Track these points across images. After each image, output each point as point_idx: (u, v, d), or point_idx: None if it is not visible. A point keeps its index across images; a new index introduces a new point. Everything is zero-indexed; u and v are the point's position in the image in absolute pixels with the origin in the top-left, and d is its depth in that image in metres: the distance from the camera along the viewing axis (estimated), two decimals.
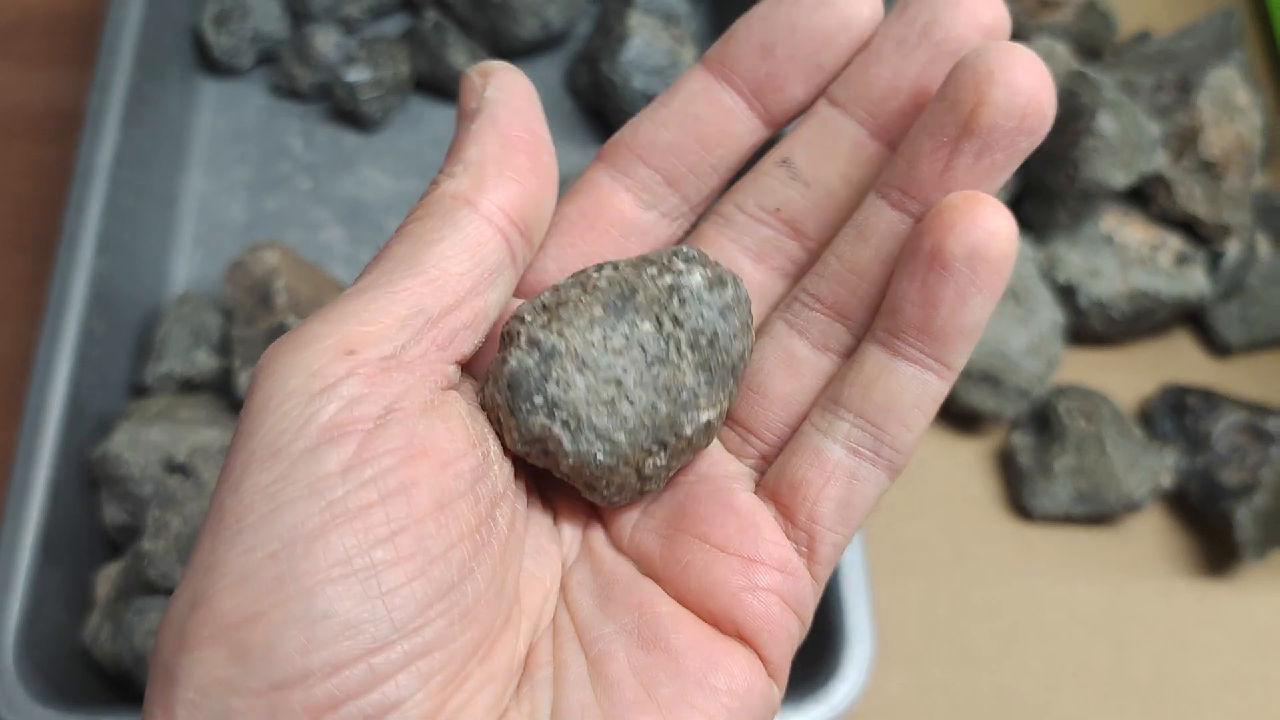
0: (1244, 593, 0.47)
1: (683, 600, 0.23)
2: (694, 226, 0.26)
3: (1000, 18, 0.22)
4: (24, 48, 0.56)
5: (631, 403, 0.22)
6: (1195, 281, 0.49)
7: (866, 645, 0.39)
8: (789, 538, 0.23)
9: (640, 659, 0.22)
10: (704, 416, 0.23)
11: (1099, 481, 0.46)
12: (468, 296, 0.22)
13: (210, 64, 0.55)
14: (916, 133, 0.22)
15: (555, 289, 0.23)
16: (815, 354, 0.23)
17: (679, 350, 0.22)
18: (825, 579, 0.23)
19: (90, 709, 0.38)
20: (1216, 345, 0.51)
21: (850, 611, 0.40)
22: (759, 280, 0.24)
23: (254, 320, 0.44)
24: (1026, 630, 0.46)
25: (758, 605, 0.22)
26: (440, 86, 0.55)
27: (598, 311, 0.22)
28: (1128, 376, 0.51)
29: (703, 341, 0.22)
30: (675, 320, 0.22)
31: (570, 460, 0.22)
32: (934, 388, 0.22)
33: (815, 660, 0.40)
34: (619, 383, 0.22)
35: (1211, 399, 0.48)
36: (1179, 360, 0.51)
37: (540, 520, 0.24)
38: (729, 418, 0.24)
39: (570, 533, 0.24)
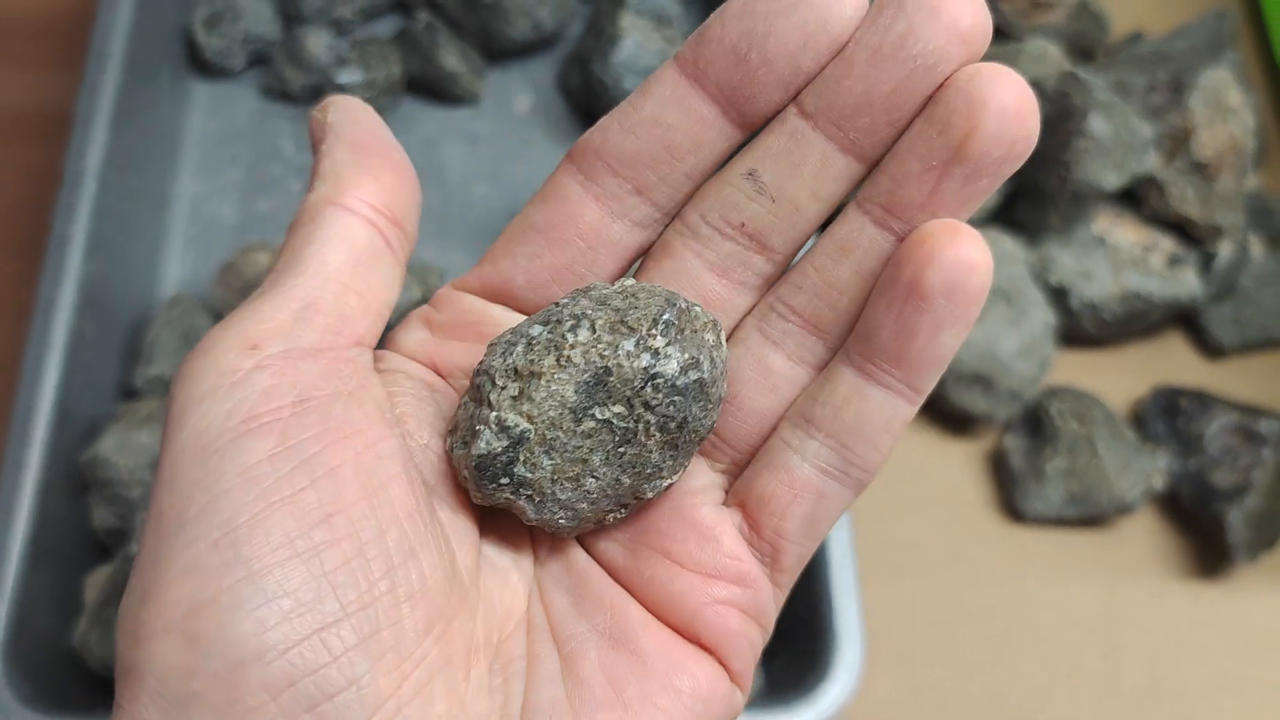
0: (1236, 595, 0.47)
1: (648, 608, 0.23)
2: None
3: (980, 23, 0.21)
4: (14, 49, 0.56)
5: (597, 479, 0.23)
6: (1187, 283, 0.49)
7: (857, 647, 0.39)
8: (753, 547, 0.24)
9: (610, 658, 0.23)
10: (666, 483, 0.23)
11: (1091, 483, 0.46)
12: (350, 282, 0.23)
13: (201, 66, 0.55)
14: (904, 152, 0.22)
15: (529, 345, 0.22)
16: (790, 366, 0.24)
17: (648, 432, 0.22)
18: (790, 585, 0.24)
19: (79, 713, 0.38)
20: (1209, 347, 0.51)
21: (841, 613, 0.40)
22: (723, 295, 0.24)
23: None
24: (1019, 632, 0.46)
25: (716, 619, 0.23)
26: (432, 88, 0.55)
27: (570, 394, 0.22)
28: (1120, 378, 0.50)
29: (672, 426, 0.22)
30: (647, 405, 0.22)
31: (533, 521, 0.23)
32: (904, 412, 0.22)
33: (805, 662, 0.40)
34: (585, 462, 0.22)
35: (1204, 401, 0.48)
36: (1171, 362, 0.51)
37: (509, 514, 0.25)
38: None
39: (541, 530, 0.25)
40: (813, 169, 0.23)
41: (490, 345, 0.23)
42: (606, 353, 0.22)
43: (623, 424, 0.22)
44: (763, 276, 0.24)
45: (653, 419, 0.22)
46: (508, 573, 0.24)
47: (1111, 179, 0.48)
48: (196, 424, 0.21)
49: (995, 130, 0.21)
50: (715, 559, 0.23)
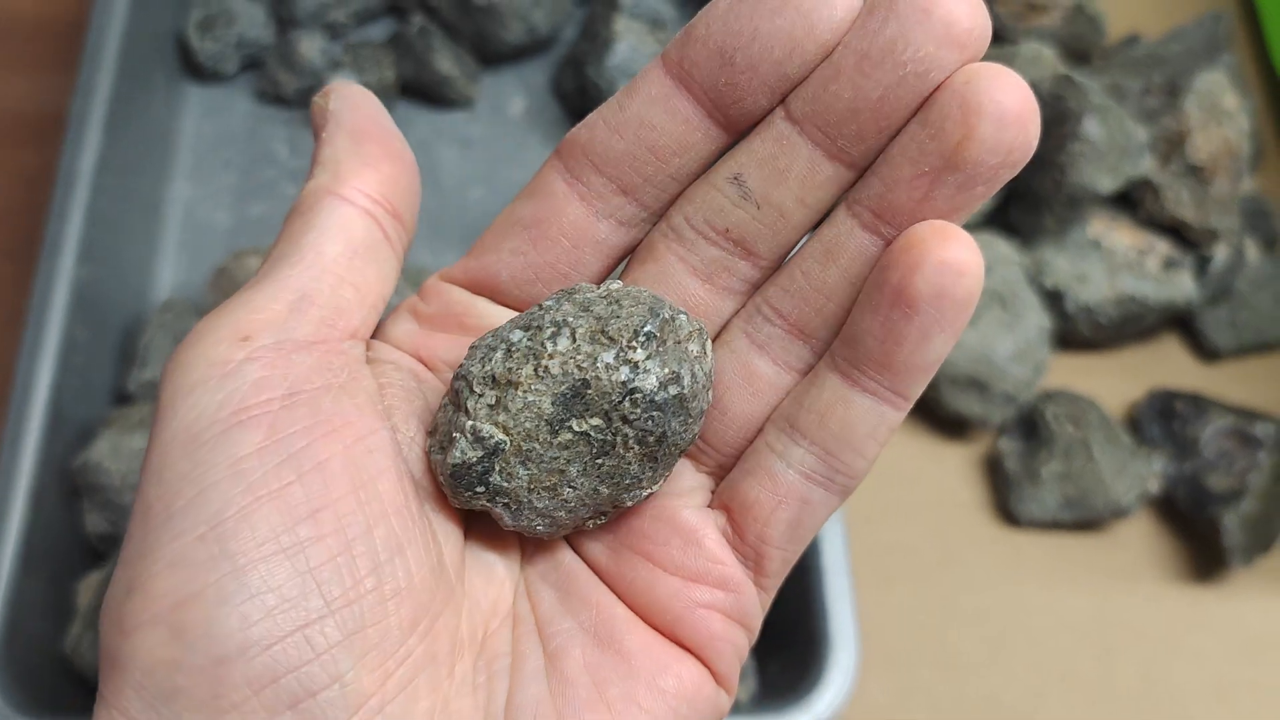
0: (1232, 599, 0.47)
1: (632, 609, 0.23)
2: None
3: (978, 26, 0.20)
4: (8, 51, 0.56)
5: (574, 489, 0.22)
6: (1183, 286, 0.49)
7: (851, 651, 0.39)
8: (737, 551, 0.23)
9: (595, 657, 0.23)
10: (646, 492, 0.23)
11: (1086, 487, 0.46)
12: (346, 274, 0.23)
13: (195, 70, 0.55)
14: (896, 156, 0.21)
15: (508, 352, 0.22)
16: (776, 371, 0.23)
17: (626, 445, 0.22)
18: (775, 588, 0.24)
19: (71, 718, 0.38)
20: (1205, 350, 0.51)
21: (835, 617, 0.40)
22: (706, 300, 0.24)
23: None
24: (1013, 637, 0.46)
25: (699, 623, 0.23)
26: (426, 92, 0.54)
27: (547, 406, 0.22)
28: (1115, 382, 0.50)
29: (651, 440, 0.22)
30: (625, 419, 0.22)
31: (510, 527, 0.23)
32: (890, 418, 0.22)
33: (800, 666, 0.40)
34: (562, 472, 0.22)
35: (1199, 404, 0.48)
36: (1167, 365, 0.51)
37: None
38: None
39: None
40: (799, 175, 0.22)
41: (471, 348, 0.23)
42: (585, 364, 0.22)
43: (600, 436, 0.22)
44: (748, 282, 0.24)
45: (631, 432, 0.22)
46: (493, 567, 0.24)
47: (1106, 182, 0.48)
48: (186, 414, 0.20)
49: (992, 136, 0.20)
50: (698, 563, 0.23)
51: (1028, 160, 0.21)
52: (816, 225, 0.23)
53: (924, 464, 0.49)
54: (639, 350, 0.22)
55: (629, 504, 0.23)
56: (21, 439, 0.41)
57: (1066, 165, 0.47)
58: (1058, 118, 0.48)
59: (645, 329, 0.22)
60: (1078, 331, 0.50)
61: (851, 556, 0.44)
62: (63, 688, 0.40)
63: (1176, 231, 0.50)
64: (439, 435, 0.23)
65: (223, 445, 0.20)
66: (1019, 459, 0.48)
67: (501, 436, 0.22)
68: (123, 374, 0.46)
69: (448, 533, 0.23)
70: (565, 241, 0.24)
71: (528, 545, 0.24)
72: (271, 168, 0.53)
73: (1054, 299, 0.49)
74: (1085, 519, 0.47)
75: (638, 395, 0.21)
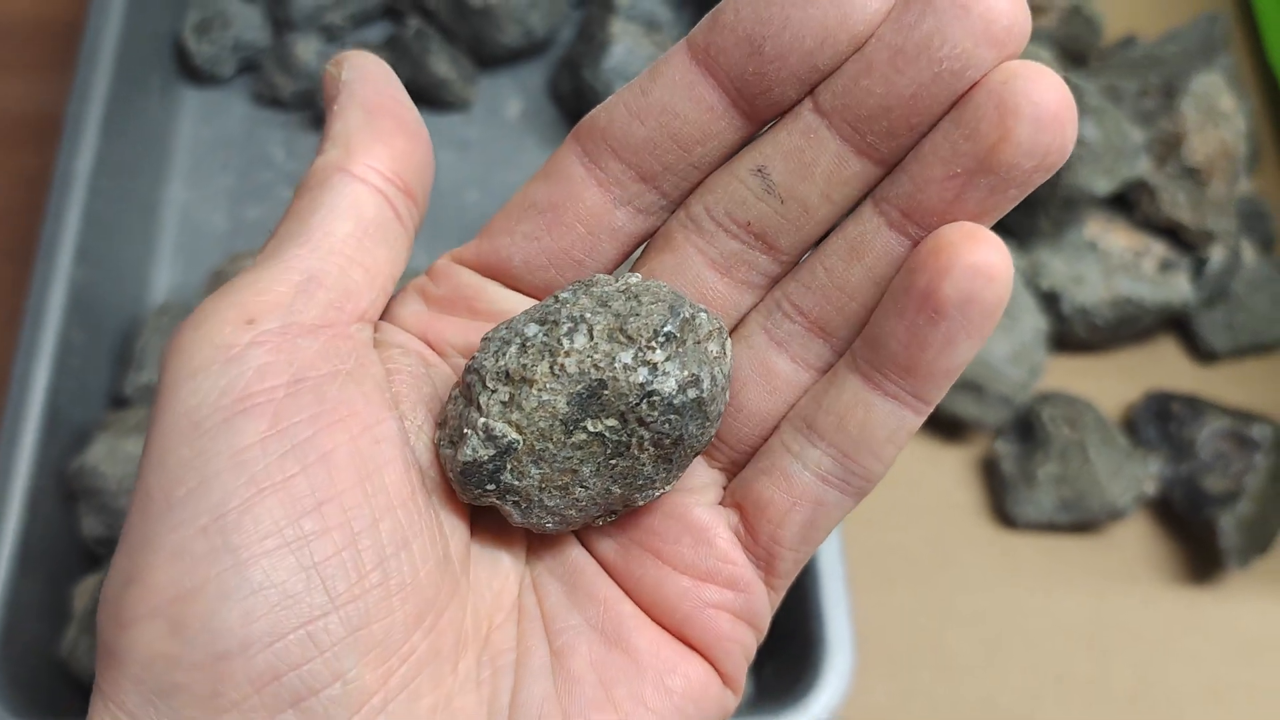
0: (1228, 601, 0.47)
1: (640, 607, 0.23)
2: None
3: (1018, 24, 0.19)
4: (4, 54, 0.56)
5: (586, 489, 0.22)
6: (1179, 288, 0.49)
7: (847, 654, 0.39)
8: (748, 551, 0.23)
9: (602, 655, 0.22)
10: (659, 493, 0.23)
11: (1083, 489, 0.46)
12: (356, 255, 0.22)
13: (191, 72, 0.55)
14: (928, 155, 0.21)
15: (523, 347, 0.21)
16: (794, 370, 0.23)
17: (641, 446, 0.22)
18: (785, 588, 0.24)
19: None
20: (1201, 352, 0.51)
21: (831, 619, 0.40)
22: (724, 294, 0.23)
23: None
24: (1010, 639, 0.46)
25: (707, 622, 0.23)
26: (423, 94, 0.54)
27: (562, 406, 0.21)
28: (1112, 383, 0.50)
29: (667, 442, 0.22)
30: (641, 422, 0.21)
31: (518, 524, 0.23)
32: (909, 423, 0.22)
33: (796, 668, 0.40)
34: (575, 472, 0.22)
35: (1196, 406, 0.48)
36: (1163, 367, 0.51)
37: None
38: None
39: None
40: (825, 170, 0.21)
41: (484, 340, 0.22)
42: (602, 364, 0.21)
43: (615, 437, 0.21)
44: (767, 276, 0.23)
45: (647, 434, 0.21)
46: (499, 559, 0.23)
47: (1103, 184, 0.48)
48: (188, 400, 0.20)
49: (1028, 139, 0.19)
50: (708, 562, 0.23)
51: (1063, 163, 0.20)
52: (839, 221, 0.23)
53: (920, 466, 0.49)
54: (658, 351, 0.21)
55: (641, 503, 0.23)
56: (18, 442, 0.41)
57: (1062, 167, 0.47)
58: None
59: (665, 329, 0.21)
60: (1074, 333, 0.50)
61: (848, 559, 0.44)
62: (59, 691, 0.40)
63: (1173, 233, 0.50)
64: (449, 429, 0.22)
65: (225, 434, 0.20)
66: (1015, 461, 0.48)
67: (515, 435, 0.21)
68: (119, 377, 0.46)
69: (454, 525, 0.22)
70: (581, 228, 0.23)
71: (534, 538, 0.24)
72: (268, 170, 0.53)
73: (1050, 301, 0.49)
74: (1082, 521, 0.47)
75: (656, 398, 0.21)
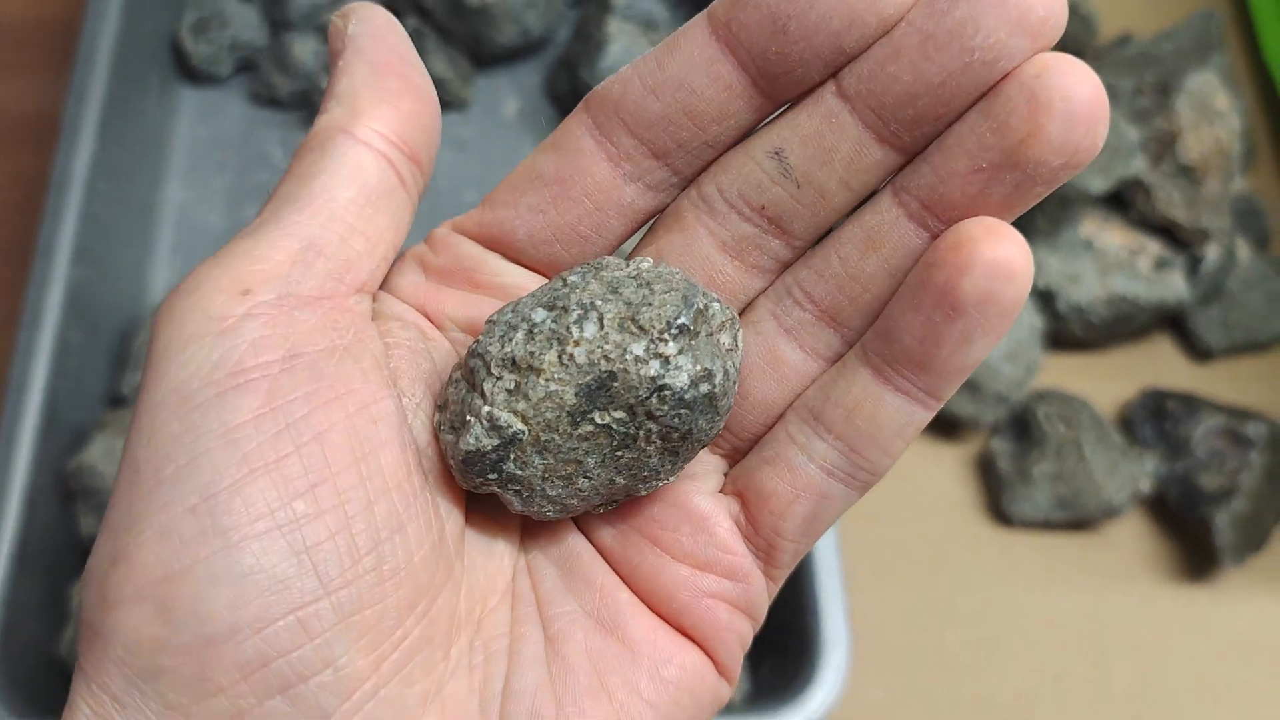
0: (1223, 599, 0.47)
1: (637, 594, 0.23)
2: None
3: (1054, 15, 0.19)
4: (1, 55, 0.56)
5: (590, 479, 0.22)
6: (1174, 286, 0.49)
7: (843, 652, 0.39)
8: (749, 541, 0.23)
9: (597, 643, 0.22)
10: (662, 483, 0.22)
11: (1078, 487, 0.46)
12: (357, 223, 0.21)
13: (189, 72, 0.55)
14: (953, 147, 0.20)
15: (530, 333, 0.21)
16: (802, 358, 0.22)
17: (648, 439, 0.21)
18: (783, 579, 0.23)
19: None
20: (1197, 350, 0.51)
21: (827, 617, 0.40)
22: (734, 278, 0.22)
23: None
24: (1006, 637, 0.46)
25: (705, 612, 0.22)
26: None
27: (570, 397, 0.20)
28: (1107, 381, 0.51)
29: (675, 436, 0.21)
30: (650, 415, 0.21)
31: (518, 511, 0.22)
32: (919, 418, 0.21)
33: (792, 666, 0.40)
34: (580, 463, 0.21)
35: (1191, 404, 0.48)
36: (1159, 365, 0.51)
37: None
38: None
39: None
40: (845, 157, 0.21)
41: (488, 323, 0.21)
42: (613, 355, 0.20)
43: (623, 430, 0.21)
44: (778, 261, 0.22)
45: (655, 428, 0.21)
46: (494, 542, 0.23)
47: (1098, 183, 0.48)
48: (179, 373, 0.19)
49: (1059, 136, 0.19)
50: (707, 551, 0.22)
51: (1091, 161, 0.19)
52: (856, 209, 0.22)
53: (916, 464, 0.49)
54: (670, 344, 0.20)
55: (644, 493, 0.22)
56: (16, 442, 0.41)
57: None
58: None
59: (679, 320, 0.20)
60: (1070, 331, 0.50)
61: (844, 557, 0.44)
62: (58, 690, 0.41)
63: (1168, 231, 0.50)
64: (450, 413, 0.21)
65: (217, 410, 0.19)
66: (1011, 459, 0.48)
67: (520, 426, 0.21)
68: (116, 377, 0.46)
69: (449, 509, 0.22)
70: (588, 202, 0.22)
71: (530, 521, 0.23)
72: (265, 170, 0.53)
73: (1046, 299, 0.49)
74: (1077, 519, 0.47)
75: (667, 392, 0.20)
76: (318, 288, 0.21)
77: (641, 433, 0.21)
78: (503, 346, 0.21)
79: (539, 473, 0.21)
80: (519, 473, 0.21)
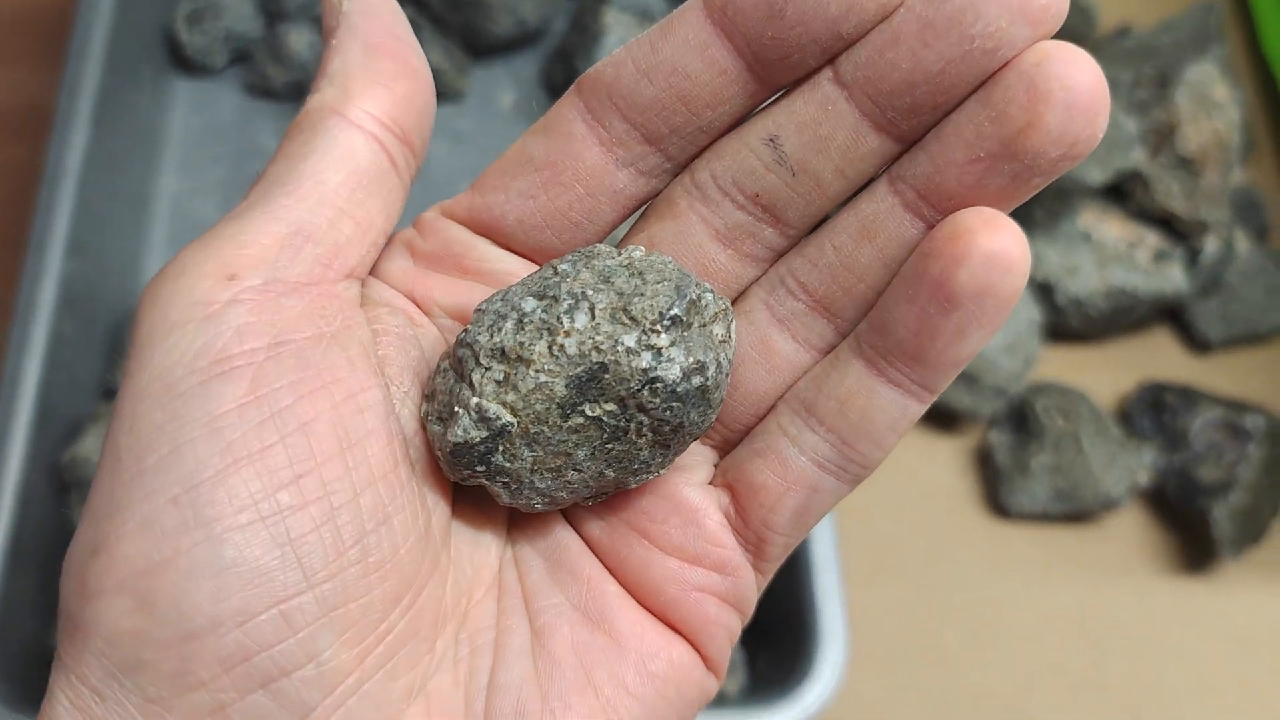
0: (1221, 591, 0.47)
1: (625, 586, 0.23)
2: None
3: (1054, 2, 0.19)
4: None
5: (579, 471, 0.21)
6: (1173, 278, 0.49)
7: (840, 646, 0.39)
8: (738, 534, 0.22)
9: (584, 636, 0.22)
10: (653, 476, 0.22)
11: (1076, 479, 0.46)
12: (347, 208, 0.21)
13: (183, 63, 0.55)
14: (950, 136, 0.20)
15: (520, 323, 0.20)
16: (795, 348, 0.22)
17: (640, 431, 0.21)
18: (772, 572, 0.23)
19: None
20: (1195, 342, 0.51)
21: (823, 612, 0.40)
22: (726, 266, 0.22)
23: None
24: (1003, 630, 0.46)
25: (694, 605, 0.22)
26: None
27: (560, 389, 0.20)
28: (1106, 374, 0.50)
29: (666, 429, 0.21)
30: (642, 408, 0.20)
31: (506, 504, 0.22)
32: (913, 411, 0.21)
33: (788, 661, 0.40)
34: (569, 455, 0.21)
35: (1190, 396, 0.48)
36: (1158, 357, 0.51)
37: None
38: None
39: None
40: (842, 144, 0.20)
41: (477, 311, 0.21)
42: (604, 345, 0.20)
43: (613, 422, 0.21)
44: (772, 249, 0.22)
45: (647, 420, 0.21)
46: (480, 532, 0.22)
47: (1096, 175, 0.48)
48: (163, 360, 0.19)
49: (1058, 126, 0.19)
50: (697, 544, 0.22)
51: (1091, 152, 0.19)
52: (851, 198, 0.22)
53: (914, 457, 0.49)
54: (663, 335, 0.20)
55: (634, 486, 0.22)
56: (9, 435, 0.41)
57: None
58: None
59: (671, 312, 0.20)
60: (1068, 324, 0.50)
61: (841, 550, 0.44)
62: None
63: (1167, 223, 0.50)
64: (437, 404, 0.21)
65: (200, 398, 0.19)
66: (1009, 452, 0.48)
67: (509, 418, 0.20)
68: (110, 369, 0.46)
69: (435, 500, 0.22)
70: (580, 188, 0.22)
71: (518, 512, 0.23)
72: (260, 161, 0.53)
73: (1044, 291, 0.49)
74: (1075, 511, 0.47)
75: (659, 385, 0.20)
76: (305, 273, 0.20)
77: (633, 425, 0.21)
78: (491, 336, 0.20)
79: (528, 465, 0.21)
80: (507, 465, 0.21)
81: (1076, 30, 0.55)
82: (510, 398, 0.20)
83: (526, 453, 0.21)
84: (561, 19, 0.56)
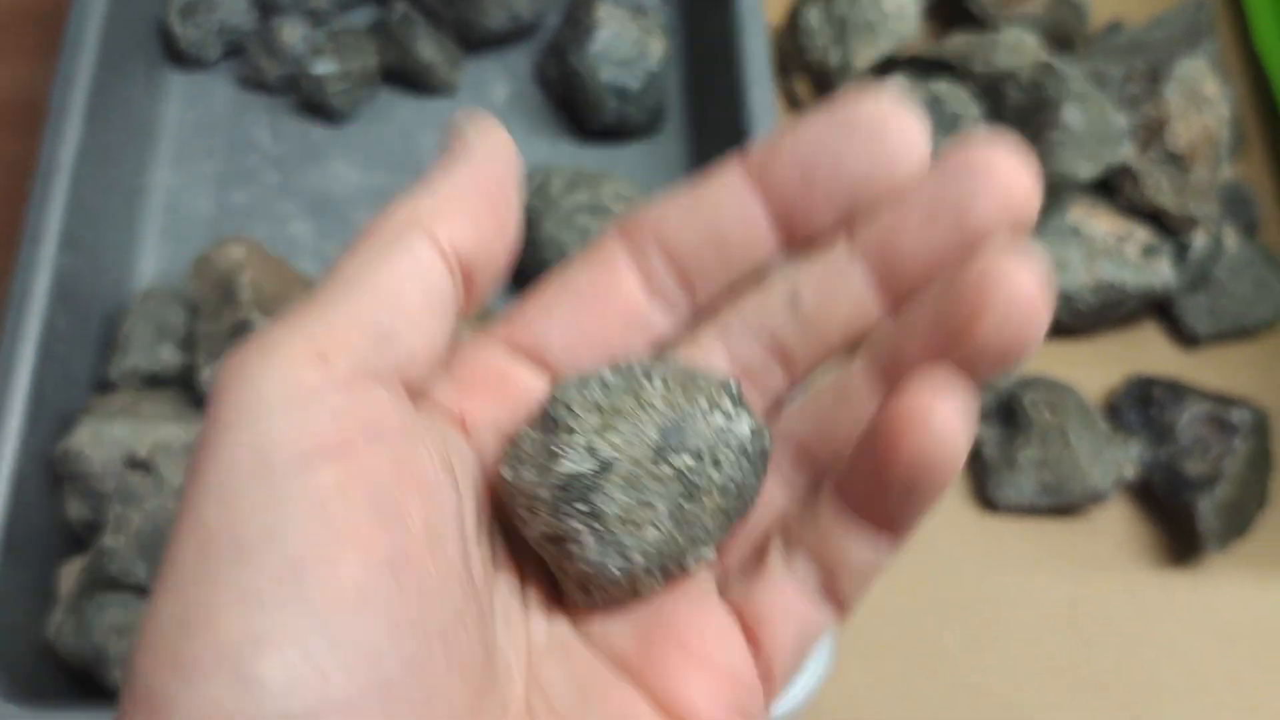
0: (1207, 585, 0.47)
1: (658, 702, 0.22)
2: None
3: (1030, 198, 0.21)
4: None
5: (658, 530, 0.22)
6: (1162, 273, 0.50)
7: (824, 639, 0.39)
8: (753, 656, 0.23)
9: None
10: (707, 554, 0.23)
11: (1063, 473, 0.47)
12: (420, 319, 0.21)
13: (176, 56, 0.55)
14: (916, 315, 0.22)
15: (605, 386, 0.22)
16: (782, 489, 0.24)
17: (710, 494, 0.22)
18: (774, 704, 0.24)
19: (53, 705, 0.39)
20: (1184, 336, 0.51)
21: None
22: None
23: (218, 315, 0.44)
24: (989, 622, 0.46)
25: None
26: (409, 78, 0.54)
27: (652, 435, 0.22)
28: (1094, 368, 0.51)
29: (731, 490, 0.22)
30: (716, 463, 0.22)
31: (585, 567, 0.22)
32: (885, 549, 0.22)
33: None
34: (652, 507, 0.22)
35: (1177, 390, 0.48)
36: (1146, 351, 0.51)
37: (507, 581, 0.23)
38: None
39: (536, 603, 0.24)
40: (849, 306, 0.23)
41: (560, 383, 0.23)
42: (684, 405, 0.22)
43: (692, 478, 0.22)
44: (777, 396, 0.24)
45: (717, 479, 0.22)
46: (506, 651, 0.22)
47: (1085, 169, 0.48)
48: (259, 437, 0.19)
49: (992, 332, 0.20)
50: (732, 658, 0.23)
51: (1033, 350, 0.21)
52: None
53: None
54: (729, 402, 0.22)
55: (690, 564, 0.23)
56: (3, 428, 0.41)
57: (1045, 153, 0.47)
58: (1037, 105, 0.48)
59: (730, 386, 0.22)
60: (1056, 317, 0.50)
61: None
62: (45, 674, 0.41)
63: (1156, 218, 0.50)
64: (528, 459, 0.22)
65: (302, 478, 0.19)
66: (996, 445, 0.48)
67: (613, 453, 0.22)
68: (103, 362, 0.46)
69: (494, 607, 0.22)
70: (618, 320, 0.23)
71: (537, 634, 0.23)
72: (254, 154, 0.53)
73: None
74: (1062, 505, 0.47)
75: (732, 439, 0.22)
76: (389, 368, 0.21)
77: (706, 484, 0.22)
78: (583, 394, 0.22)
79: (620, 511, 0.22)
80: (604, 508, 0.22)
81: (1068, 25, 0.55)
82: (613, 438, 0.22)
83: (620, 496, 0.22)
84: (554, 13, 0.57)
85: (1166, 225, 0.50)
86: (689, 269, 0.23)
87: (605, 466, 0.22)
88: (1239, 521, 0.46)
